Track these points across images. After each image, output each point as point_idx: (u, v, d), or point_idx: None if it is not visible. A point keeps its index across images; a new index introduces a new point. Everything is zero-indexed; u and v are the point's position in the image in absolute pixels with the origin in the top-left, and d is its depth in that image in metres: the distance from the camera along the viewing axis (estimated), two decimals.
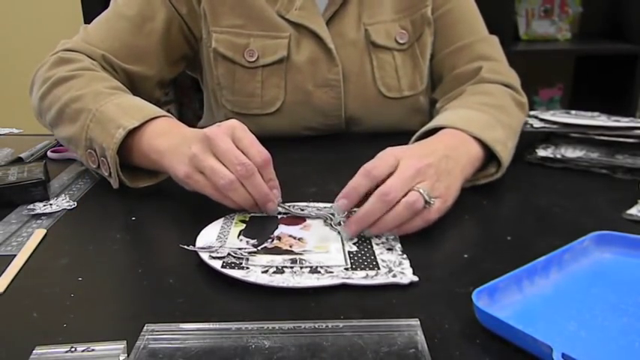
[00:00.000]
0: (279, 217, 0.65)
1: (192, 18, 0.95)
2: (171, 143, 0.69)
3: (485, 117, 0.78)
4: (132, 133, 0.72)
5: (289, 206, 0.65)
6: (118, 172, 0.72)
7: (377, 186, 0.60)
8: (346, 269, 0.53)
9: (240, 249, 0.56)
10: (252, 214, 0.65)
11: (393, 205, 0.58)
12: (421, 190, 0.59)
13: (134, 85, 0.92)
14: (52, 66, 0.85)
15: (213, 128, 0.63)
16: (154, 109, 0.75)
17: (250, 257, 0.55)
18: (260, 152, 0.62)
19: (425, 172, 0.61)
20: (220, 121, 0.66)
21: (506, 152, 0.74)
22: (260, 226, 0.62)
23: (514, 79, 0.95)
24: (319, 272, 0.52)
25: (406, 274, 0.52)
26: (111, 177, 0.72)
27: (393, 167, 0.61)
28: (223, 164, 0.62)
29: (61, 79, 0.81)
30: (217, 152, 0.62)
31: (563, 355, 0.38)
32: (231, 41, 0.94)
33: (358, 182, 0.60)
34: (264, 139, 0.66)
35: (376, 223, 0.58)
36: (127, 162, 0.74)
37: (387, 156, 0.62)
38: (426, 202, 0.59)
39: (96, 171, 0.76)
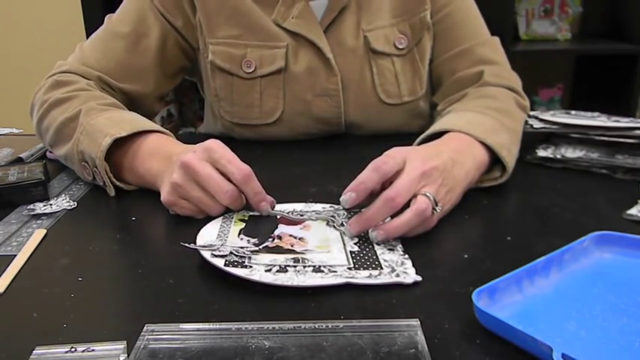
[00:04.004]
0: (279, 217, 0.65)
1: (189, 29, 0.94)
2: (160, 167, 0.70)
3: (490, 121, 0.78)
4: (124, 153, 0.73)
5: (288, 212, 0.65)
6: (110, 178, 0.72)
7: (382, 186, 0.60)
8: (349, 269, 0.53)
9: (241, 247, 0.56)
10: (250, 213, 0.65)
11: (400, 210, 0.58)
12: (429, 195, 0.59)
13: (133, 102, 0.93)
14: (49, 89, 0.86)
15: (189, 154, 0.64)
16: (144, 123, 0.76)
17: (252, 256, 0.55)
18: (239, 169, 0.63)
19: (430, 175, 0.61)
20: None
21: (511, 157, 0.74)
22: (260, 226, 0.62)
23: (516, 82, 0.94)
24: (323, 271, 0.52)
25: (409, 274, 0.52)
26: (105, 186, 0.73)
27: (401, 165, 0.61)
28: (208, 192, 0.63)
29: (58, 101, 0.82)
30: (199, 180, 0.63)
31: (563, 355, 0.38)
32: (228, 52, 0.93)
33: (367, 176, 0.60)
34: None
35: (386, 229, 0.58)
36: (121, 178, 0.75)
37: (395, 154, 0.62)
38: (433, 208, 0.59)
39: (93, 182, 0.76)
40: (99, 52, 0.91)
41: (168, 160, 0.69)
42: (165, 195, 0.65)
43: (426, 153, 0.65)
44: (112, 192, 0.73)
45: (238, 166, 0.63)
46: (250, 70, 0.92)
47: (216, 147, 0.64)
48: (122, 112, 0.81)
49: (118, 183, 0.73)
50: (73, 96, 0.82)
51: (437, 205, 0.60)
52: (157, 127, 0.77)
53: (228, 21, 0.92)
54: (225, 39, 0.93)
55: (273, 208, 0.65)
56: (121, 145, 0.74)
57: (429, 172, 0.61)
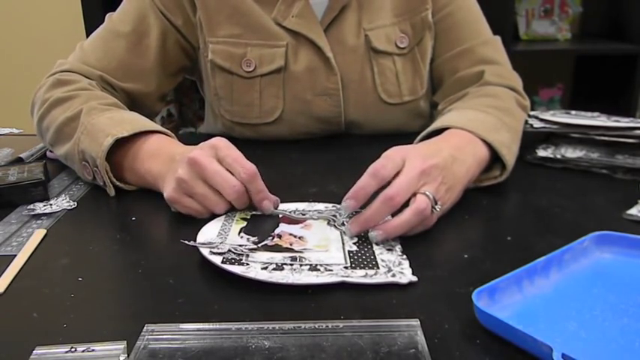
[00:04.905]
0: (280, 216, 0.65)
1: (189, 28, 0.94)
2: (162, 168, 0.70)
3: (491, 119, 0.78)
4: (125, 153, 0.73)
5: (291, 212, 0.65)
6: (110, 178, 0.72)
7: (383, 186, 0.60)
8: (346, 268, 0.53)
9: (240, 245, 0.56)
10: (253, 212, 0.65)
11: (400, 209, 0.58)
12: (428, 193, 0.59)
13: (135, 102, 0.93)
14: (50, 88, 0.86)
15: (196, 151, 0.64)
16: (145, 123, 0.76)
17: (250, 254, 0.55)
18: (244, 168, 0.63)
19: (429, 173, 0.61)
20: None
21: (511, 155, 0.74)
22: (261, 224, 0.62)
23: (517, 81, 0.94)
24: (319, 270, 0.52)
25: (405, 274, 0.52)
26: (106, 186, 0.73)
27: (400, 167, 0.61)
28: (213, 188, 0.63)
29: (59, 100, 0.82)
30: (206, 176, 0.63)
31: (563, 355, 0.38)
32: (228, 51, 0.93)
33: (366, 182, 0.60)
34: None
35: (385, 229, 0.58)
36: (122, 179, 0.75)
37: (394, 155, 0.62)
38: (433, 207, 0.59)
39: (93, 182, 0.76)
40: (100, 52, 0.91)
41: (170, 160, 0.69)
42: (169, 191, 0.65)
43: (426, 151, 0.65)
44: (112, 192, 0.73)
45: (244, 165, 0.63)
46: (250, 69, 0.92)
47: (222, 145, 0.65)
48: (123, 112, 0.81)
49: (118, 183, 0.73)
50: (75, 95, 0.82)
51: (436, 204, 0.60)
52: (159, 127, 0.77)
53: (229, 20, 0.92)
54: (226, 38, 0.93)
55: (276, 207, 0.65)
56: (122, 145, 0.74)
57: (428, 171, 0.61)
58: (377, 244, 0.58)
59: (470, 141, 0.72)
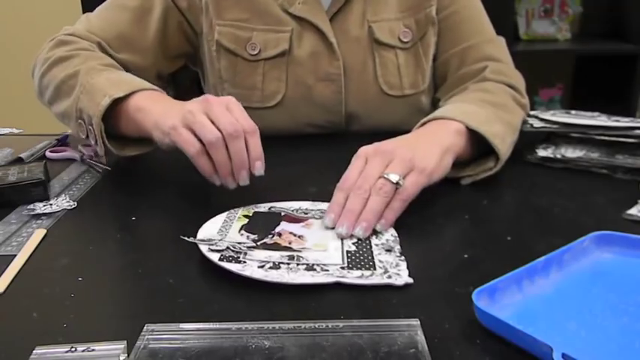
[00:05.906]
0: (283, 214, 0.65)
1: (193, 12, 0.96)
2: (163, 106, 0.72)
3: (484, 112, 0.79)
4: (122, 102, 0.75)
5: (293, 210, 0.65)
6: (103, 138, 0.74)
7: None
8: (342, 268, 0.53)
9: (239, 243, 0.56)
10: (255, 210, 0.65)
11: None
12: (385, 176, 0.62)
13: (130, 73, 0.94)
14: (52, 48, 0.89)
15: (211, 95, 0.68)
16: (143, 83, 0.78)
17: (249, 252, 0.55)
18: (248, 121, 0.66)
19: (390, 152, 0.64)
20: None
21: (504, 146, 0.74)
22: (262, 222, 0.63)
23: (518, 81, 0.94)
24: (315, 270, 0.52)
25: (401, 276, 0.52)
26: (97, 145, 0.75)
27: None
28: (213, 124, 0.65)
29: (60, 58, 0.85)
30: (210, 112, 0.65)
31: (563, 355, 0.38)
32: (234, 34, 0.95)
33: (337, 197, 0.63)
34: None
35: (364, 218, 0.60)
36: (117, 132, 0.77)
37: (360, 158, 0.66)
38: (396, 182, 0.61)
39: (86, 143, 0.79)
40: (104, 21, 0.95)
41: (171, 104, 0.71)
42: (170, 120, 0.67)
43: (393, 141, 0.68)
44: (101, 151, 0.75)
45: (248, 120, 0.66)
46: (254, 53, 0.94)
47: (234, 101, 0.68)
48: (121, 72, 0.84)
49: (109, 146, 0.75)
50: (74, 54, 0.85)
51: (398, 180, 0.61)
52: (155, 87, 0.78)
53: (236, 5, 0.94)
54: (232, 21, 0.95)
55: (260, 172, 0.66)
56: (120, 101, 0.75)
57: (383, 150, 0.65)
58: (372, 240, 0.58)
59: (445, 123, 0.74)
